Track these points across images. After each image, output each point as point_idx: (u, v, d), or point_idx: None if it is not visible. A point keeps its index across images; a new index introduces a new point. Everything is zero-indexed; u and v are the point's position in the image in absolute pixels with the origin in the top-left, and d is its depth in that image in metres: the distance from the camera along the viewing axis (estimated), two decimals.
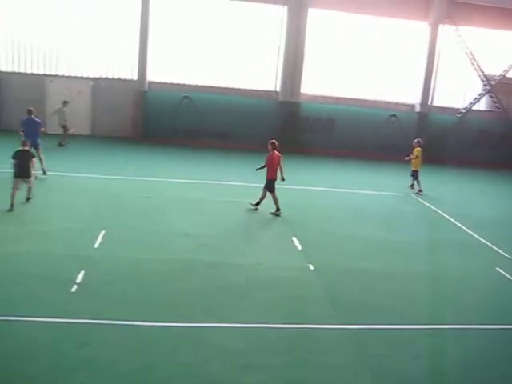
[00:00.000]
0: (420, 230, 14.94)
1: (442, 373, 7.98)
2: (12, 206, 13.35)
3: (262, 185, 15.40)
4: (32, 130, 16.87)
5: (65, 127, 22.11)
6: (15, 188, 13.58)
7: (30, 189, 14.16)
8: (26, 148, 14.11)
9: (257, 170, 15.79)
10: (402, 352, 8.40)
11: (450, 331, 9.20)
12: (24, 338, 7.74)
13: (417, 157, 19.33)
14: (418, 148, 19.46)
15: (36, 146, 16.52)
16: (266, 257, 11.74)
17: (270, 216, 14.85)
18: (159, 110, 24.59)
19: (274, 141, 15.41)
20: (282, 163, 15.42)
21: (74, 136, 22.19)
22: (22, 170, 13.80)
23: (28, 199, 14.17)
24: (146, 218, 13.68)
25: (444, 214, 16.47)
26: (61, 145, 21.80)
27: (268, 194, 15.21)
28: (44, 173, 16.78)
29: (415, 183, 19.44)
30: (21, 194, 13.81)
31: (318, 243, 12.94)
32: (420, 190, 19.14)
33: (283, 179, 15.40)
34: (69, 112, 22.27)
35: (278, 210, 15.04)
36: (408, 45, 26.29)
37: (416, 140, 19.90)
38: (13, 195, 13.42)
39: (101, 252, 11.14)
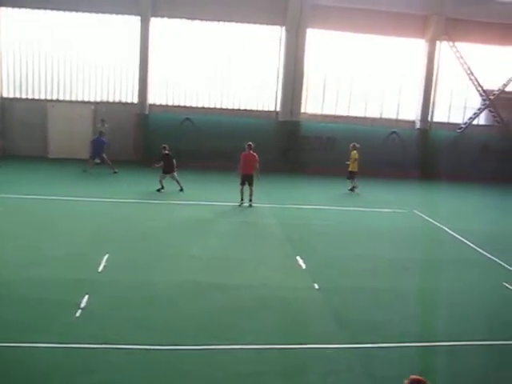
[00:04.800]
0: (425, 247, 14.82)
1: None
2: (162, 188, 19.18)
3: (270, 204, 17.29)
4: (100, 147, 21.79)
5: None
6: (162, 179, 19.25)
7: (177, 181, 19.36)
8: (167, 152, 19.39)
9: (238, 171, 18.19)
10: (411, 370, 8.27)
11: (457, 348, 9.08)
12: (29, 364, 7.66)
13: (355, 159, 21.27)
14: (355, 151, 21.45)
15: (99, 157, 21.81)
16: (272, 277, 11.66)
17: (274, 236, 14.82)
18: (160, 133, 24.60)
19: (250, 143, 18.30)
20: (258, 164, 18.14)
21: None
22: (169, 168, 19.21)
23: (181, 189, 19.36)
24: (150, 241, 13.65)
25: (448, 230, 16.39)
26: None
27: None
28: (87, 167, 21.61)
29: (353, 183, 21.56)
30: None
31: (322, 262, 12.87)
32: (353, 188, 21.51)
33: (258, 178, 18.15)
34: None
35: (241, 200, 17.85)
36: (406, 62, 26.47)
37: (352, 144, 21.79)
38: (161, 181, 19.18)
39: (105, 276, 11.08)
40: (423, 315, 10.31)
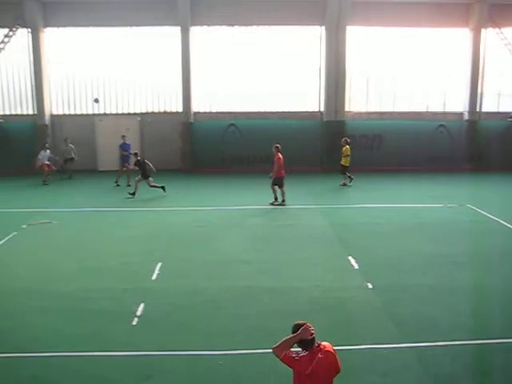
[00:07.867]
0: (480, 242, 14.39)
1: None
2: (134, 193, 19.73)
3: (317, 205, 17.42)
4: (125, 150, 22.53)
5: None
6: (137, 182, 19.87)
7: (136, 186, 19.75)
8: (138, 158, 20.28)
9: (270, 176, 18.35)
10: (471, 369, 8.07)
11: None
12: (88, 374, 7.84)
13: (347, 155, 21.52)
14: (347, 146, 21.65)
15: (127, 161, 22.18)
16: (324, 278, 11.58)
17: (323, 237, 14.71)
18: (206, 140, 24.91)
19: (277, 145, 18.49)
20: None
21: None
22: (144, 173, 20.00)
23: (133, 194, 19.62)
24: (201, 248, 13.78)
25: (504, 223, 15.88)
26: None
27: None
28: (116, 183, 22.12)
29: (345, 178, 21.72)
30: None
31: (375, 261, 12.69)
32: (349, 180, 21.59)
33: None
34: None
35: (283, 201, 18.11)
36: (451, 53, 25.89)
37: (344, 139, 21.98)
38: (137, 185, 19.87)
39: (159, 283, 11.26)
40: (480, 311, 10.02)
